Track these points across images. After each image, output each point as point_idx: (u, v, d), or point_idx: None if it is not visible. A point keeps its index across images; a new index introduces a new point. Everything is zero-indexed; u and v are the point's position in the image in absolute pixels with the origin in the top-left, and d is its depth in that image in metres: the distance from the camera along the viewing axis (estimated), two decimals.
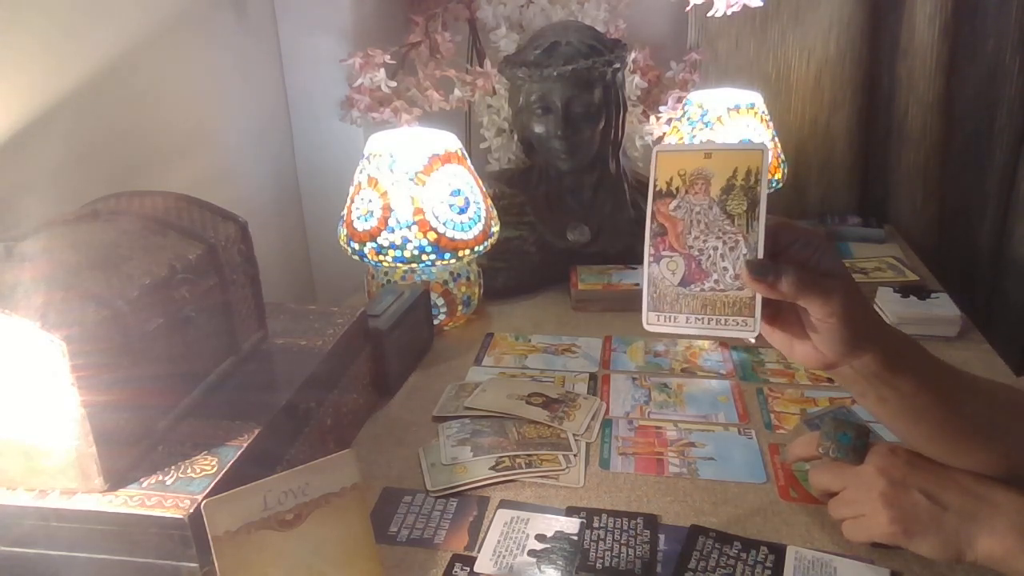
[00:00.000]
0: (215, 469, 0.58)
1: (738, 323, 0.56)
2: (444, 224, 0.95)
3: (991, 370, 0.92)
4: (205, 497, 0.54)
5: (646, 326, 0.57)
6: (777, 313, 0.57)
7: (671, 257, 0.57)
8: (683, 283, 0.56)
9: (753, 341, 0.57)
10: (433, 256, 0.95)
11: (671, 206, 0.57)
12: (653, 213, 0.57)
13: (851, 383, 0.59)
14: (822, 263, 0.56)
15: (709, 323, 0.56)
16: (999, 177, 1.35)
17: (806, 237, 0.56)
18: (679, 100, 1.27)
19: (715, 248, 0.56)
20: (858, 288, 0.56)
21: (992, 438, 0.59)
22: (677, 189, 0.56)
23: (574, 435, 0.79)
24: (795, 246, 0.56)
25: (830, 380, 0.89)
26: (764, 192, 0.55)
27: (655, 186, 0.57)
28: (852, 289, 0.55)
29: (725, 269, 0.56)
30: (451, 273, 1.01)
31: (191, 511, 0.53)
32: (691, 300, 0.56)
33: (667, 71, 1.33)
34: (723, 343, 0.98)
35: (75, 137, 0.80)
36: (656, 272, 0.57)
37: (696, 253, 0.56)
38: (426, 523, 0.68)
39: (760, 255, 0.55)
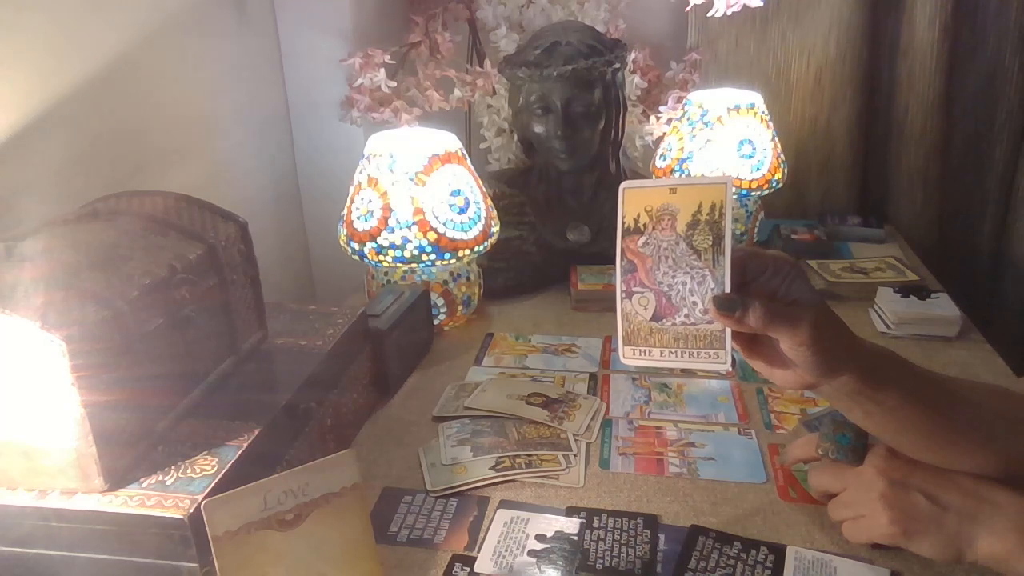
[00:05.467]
0: (215, 469, 0.58)
1: (710, 355, 0.57)
2: (444, 224, 0.95)
3: (991, 370, 0.92)
4: (205, 497, 0.54)
5: (623, 360, 0.59)
6: (753, 340, 0.57)
7: (642, 293, 0.58)
8: (655, 318, 0.57)
9: (729, 371, 0.57)
10: (433, 256, 0.95)
11: (639, 243, 0.57)
12: (622, 250, 0.58)
13: (835, 400, 0.59)
14: (791, 291, 0.56)
15: (682, 356, 0.57)
16: (999, 177, 1.35)
17: (775, 266, 0.56)
18: (679, 100, 1.27)
19: (683, 283, 0.57)
20: (829, 312, 0.56)
21: (985, 444, 0.59)
22: (644, 225, 0.57)
23: (574, 435, 0.79)
24: (763, 276, 0.56)
25: None
26: (729, 225, 0.55)
27: (623, 223, 0.58)
28: (822, 315, 0.55)
29: (695, 304, 0.56)
30: (451, 273, 1.01)
31: (191, 511, 0.53)
32: (664, 334, 0.57)
33: (667, 71, 1.34)
34: None
35: (75, 137, 0.80)
36: (628, 308, 0.58)
37: (666, 288, 0.57)
38: (426, 523, 0.68)
39: (727, 289, 0.55)
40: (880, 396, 0.56)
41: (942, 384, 0.60)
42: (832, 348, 0.55)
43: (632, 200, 0.58)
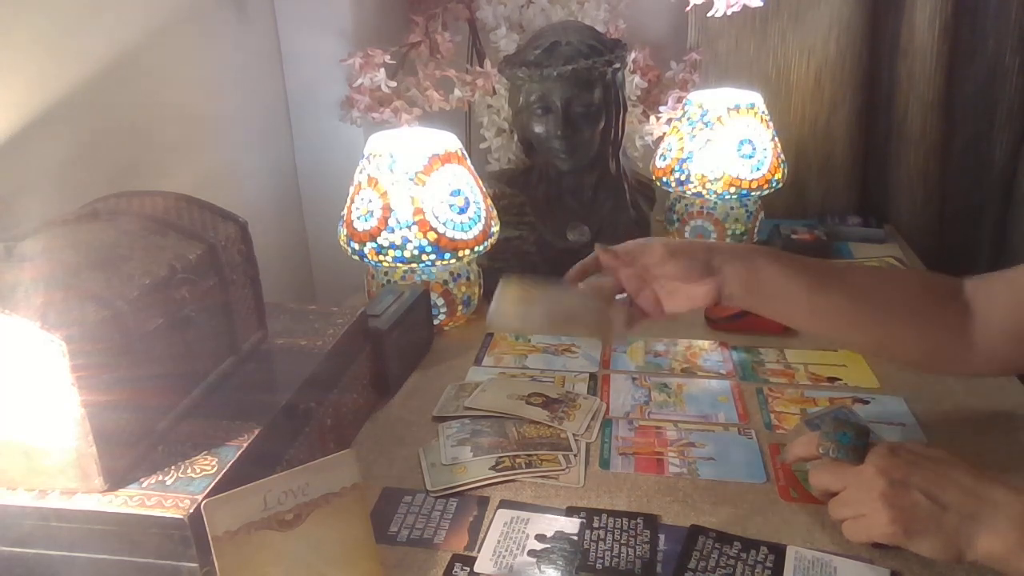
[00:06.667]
0: (215, 469, 0.58)
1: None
2: (444, 224, 0.95)
3: None
4: (205, 497, 0.54)
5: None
6: (643, 283, 0.73)
7: None
8: None
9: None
10: (433, 256, 0.95)
11: None
12: None
13: (757, 303, 0.73)
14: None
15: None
16: (999, 177, 1.35)
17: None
18: (679, 100, 1.27)
19: None
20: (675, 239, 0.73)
21: (866, 311, 0.71)
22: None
23: (574, 435, 0.79)
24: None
25: (830, 380, 0.89)
26: None
27: None
28: (666, 239, 0.74)
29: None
30: (451, 273, 1.01)
31: (191, 511, 0.53)
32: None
33: (667, 71, 1.33)
34: (723, 343, 0.98)
35: (75, 137, 0.80)
36: None
37: None
38: (426, 523, 0.68)
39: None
40: (763, 275, 0.70)
41: (829, 265, 0.77)
42: (690, 248, 0.71)
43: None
